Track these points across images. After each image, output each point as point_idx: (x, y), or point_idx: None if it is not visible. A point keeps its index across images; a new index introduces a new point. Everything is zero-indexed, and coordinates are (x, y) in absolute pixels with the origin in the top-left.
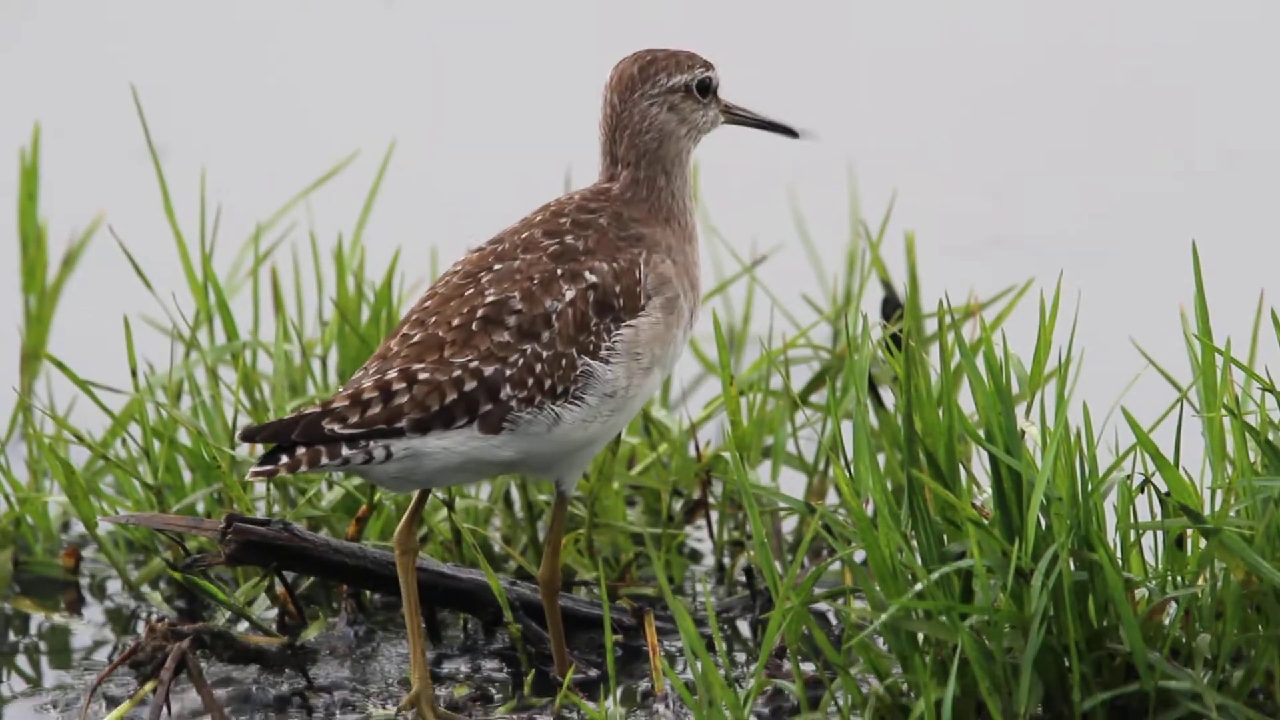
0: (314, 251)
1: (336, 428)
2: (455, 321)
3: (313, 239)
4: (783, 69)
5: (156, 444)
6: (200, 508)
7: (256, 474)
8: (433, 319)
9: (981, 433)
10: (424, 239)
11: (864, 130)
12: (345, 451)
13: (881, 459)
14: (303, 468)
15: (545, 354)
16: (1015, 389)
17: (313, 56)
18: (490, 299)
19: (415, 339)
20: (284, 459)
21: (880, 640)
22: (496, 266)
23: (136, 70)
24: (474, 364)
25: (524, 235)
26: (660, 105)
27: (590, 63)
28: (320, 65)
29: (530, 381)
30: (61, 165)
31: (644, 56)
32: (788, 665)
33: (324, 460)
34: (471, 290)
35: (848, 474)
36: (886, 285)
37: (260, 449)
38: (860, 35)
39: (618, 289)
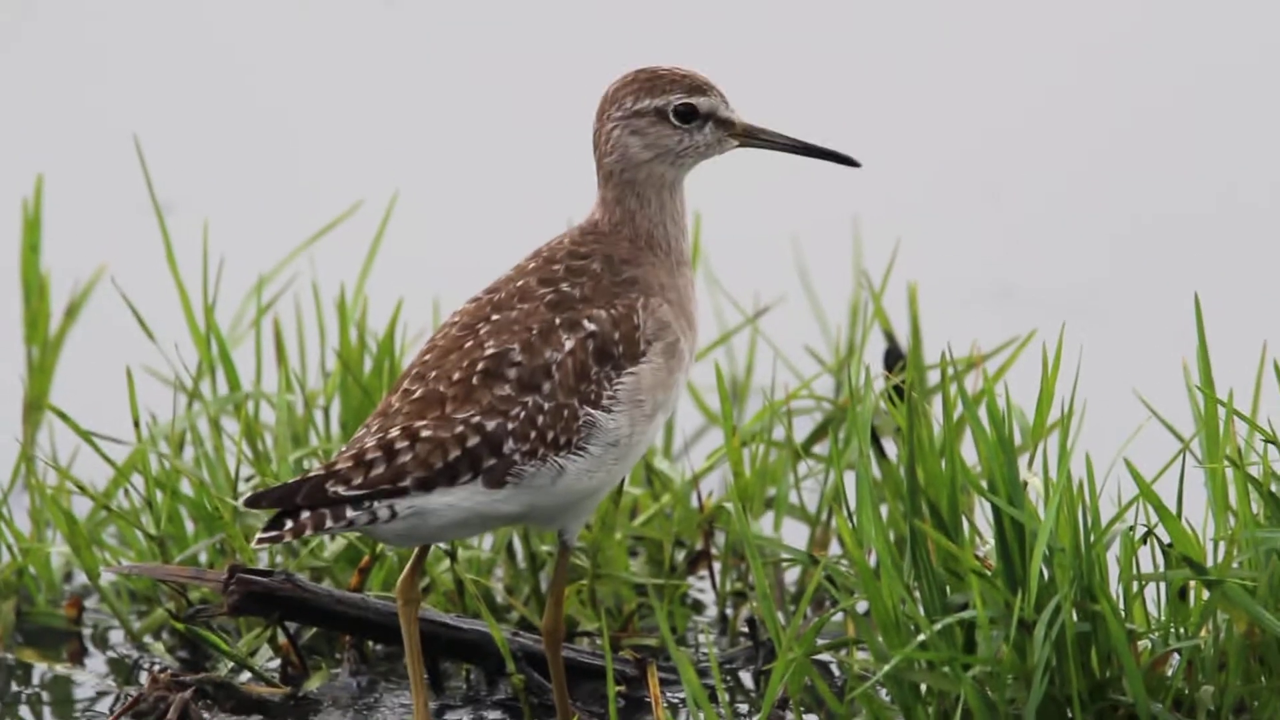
0: (316, 302)
1: (341, 490)
2: (455, 376)
3: (315, 290)
4: (786, 117)
5: (159, 494)
6: (203, 558)
7: (262, 540)
8: (433, 373)
9: (984, 484)
10: (427, 289)
11: (868, 181)
12: (350, 514)
13: (884, 510)
14: (308, 532)
15: (547, 405)
16: (1018, 440)
17: (315, 105)
18: (489, 351)
19: (416, 394)
20: (289, 524)
21: (883, 691)
22: (494, 317)
23: (138, 120)
24: (476, 419)
25: (519, 284)
26: (623, 129)
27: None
28: (323, 115)
29: (533, 434)
30: (64, 216)
31: (623, 77)
32: (791, 716)
33: (329, 523)
34: (470, 343)
35: (850, 525)
36: (889, 336)
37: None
38: (863, 87)
39: (617, 336)
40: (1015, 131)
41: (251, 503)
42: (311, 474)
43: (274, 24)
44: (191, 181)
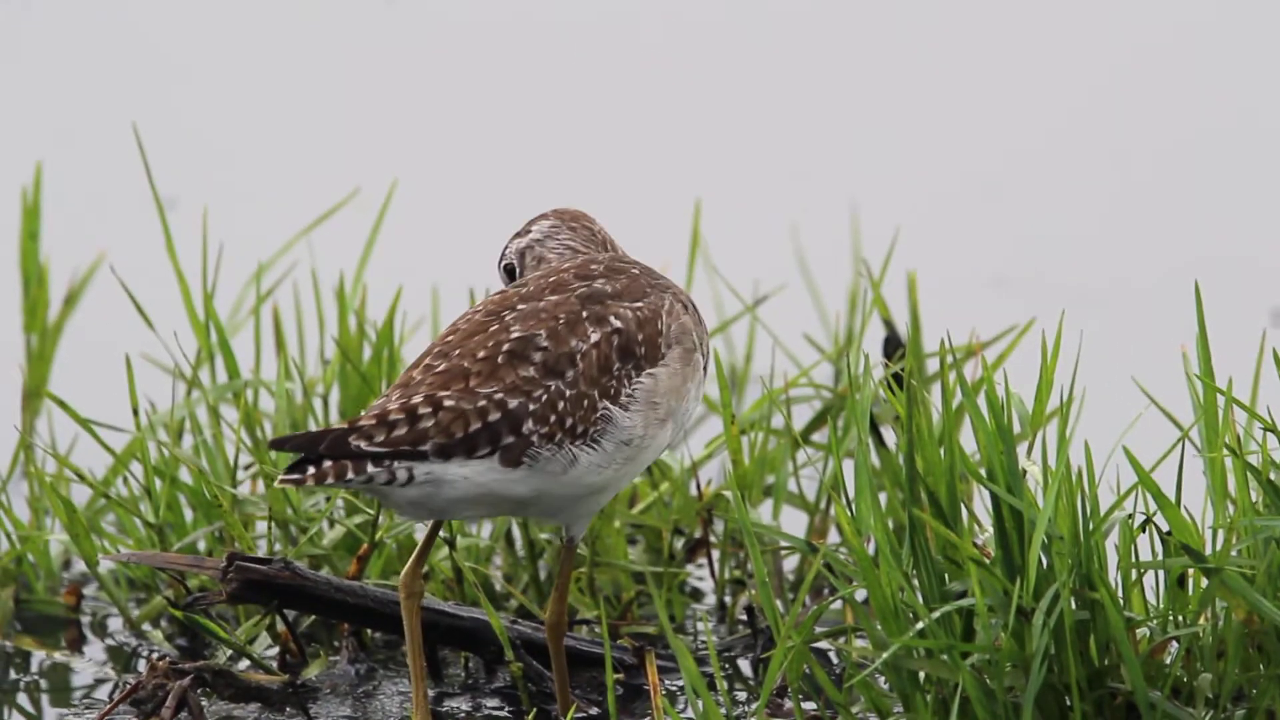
0: (315, 290)
1: (363, 445)
2: (481, 354)
3: (314, 277)
4: (788, 108)
5: (158, 482)
6: (201, 546)
7: (284, 481)
8: (456, 351)
9: (983, 472)
10: (426, 277)
11: (867, 170)
12: (370, 469)
13: (883, 498)
14: (329, 480)
15: (568, 393)
16: (1017, 428)
17: (314, 94)
18: (516, 335)
19: (440, 369)
20: (311, 470)
21: (882, 679)
22: (520, 306)
23: (138, 109)
24: (499, 395)
25: (553, 279)
26: None
27: (582, 98)
28: (323, 104)
29: (552, 418)
30: (63, 205)
31: None
32: (789, 704)
33: (349, 475)
34: (496, 326)
35: (849, 513)
36: (888, 324)
37: (269, 478)
38: (865, 75)
39: (641, 336)
40: (1018, 119)
41: (276, 445)
42: (335, 427)
43: (273, 14)
44: (191, 171)
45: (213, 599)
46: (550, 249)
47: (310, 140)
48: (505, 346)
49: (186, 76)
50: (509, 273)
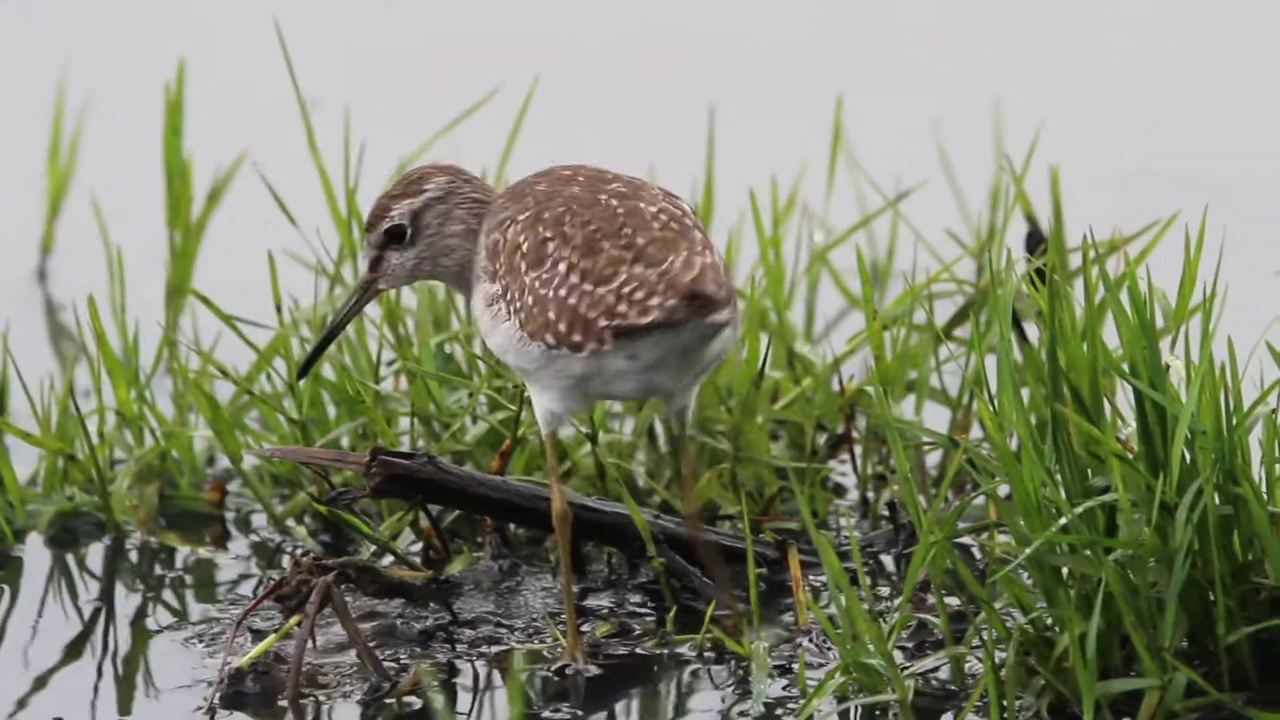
0: None
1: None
2: (656, 226)
3: None
4: (929, 2)
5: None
6: (345, 442)
7: (713, 323)
8: (624, 227)
9: (1126, 367)
10: None
11: (1009, 65)
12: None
13: (1025, 393)
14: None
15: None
16: (1160, 323)
17: None
18: (654, 207)
19: (644, 239)
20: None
21: (1024, 574)
22: (607, 188)
23: (280, 6)
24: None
25: (580, 182)
26: None
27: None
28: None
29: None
30: (207, 103)
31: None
32: (932, 599)
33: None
34: (618, 203)
35: (991, 408)
36: (1031, 220)
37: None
38: None
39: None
40: (1162, 12)
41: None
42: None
43: None
44: (333, 71)
45: (356, 494)
46: (457, 204)
47: (453, 37)
48: (663, 218)
49: None
50: (394, 236)
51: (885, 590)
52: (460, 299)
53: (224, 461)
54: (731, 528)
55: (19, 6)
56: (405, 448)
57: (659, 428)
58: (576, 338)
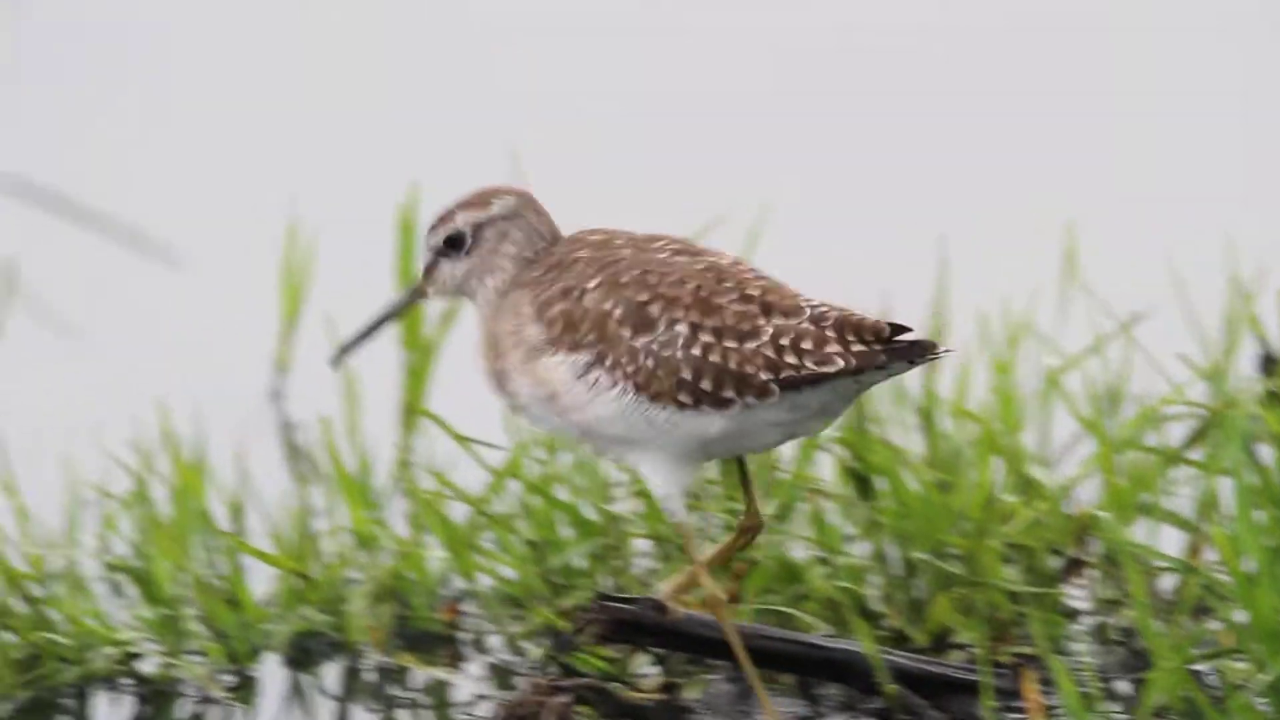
0: None
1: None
2: (750, 276)
3: None
4: (1159, 129)
5: (535, 499)
6: (578, 563)
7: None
8: (724, 280)
9: None
10: None
11: (1237, 189)
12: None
13: (1261, 516)
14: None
15: None
16: None
17: None
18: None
19: (761, 288)
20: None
21: (1262, 702)
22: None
23: (502, 132)
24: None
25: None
26: None
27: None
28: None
29: None
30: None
31: None
32: None
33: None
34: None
35: (1227, 532)
36: (1263, 341)
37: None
38: (1236, 96)
39: None
40: None
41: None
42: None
43: None
44: (566, 193)
45: (584, 641)
46: (519, 229)
47: (684, 164)
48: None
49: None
50: (453, 243)
51: (1120, 717)
52: None
53: (458, 582)
54: (964, 655)
55: (251, 129)
56: (640, 568)
57: (893, 551)
58: (727, 394)
